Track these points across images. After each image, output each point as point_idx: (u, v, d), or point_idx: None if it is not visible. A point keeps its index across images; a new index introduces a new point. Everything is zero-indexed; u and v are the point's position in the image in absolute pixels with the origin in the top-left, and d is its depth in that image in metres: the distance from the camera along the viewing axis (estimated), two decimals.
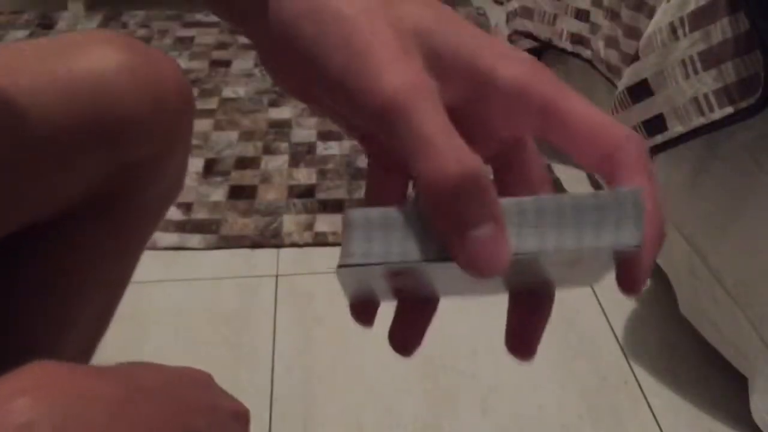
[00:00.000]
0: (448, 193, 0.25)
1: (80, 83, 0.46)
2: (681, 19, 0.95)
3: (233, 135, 1.71)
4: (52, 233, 0.52)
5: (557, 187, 1.54)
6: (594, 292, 1.29)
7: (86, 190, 0.50)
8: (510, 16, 1.53)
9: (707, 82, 0.92)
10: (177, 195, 0.61)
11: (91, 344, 0.62)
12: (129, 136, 0.49)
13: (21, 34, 2.13)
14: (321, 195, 1.52)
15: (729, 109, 0.90)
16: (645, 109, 1.02)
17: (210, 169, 1.60)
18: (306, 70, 0.28)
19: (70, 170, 0.48)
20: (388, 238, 0.27)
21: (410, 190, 0.32)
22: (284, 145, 1.68)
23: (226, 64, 2.01)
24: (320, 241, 1.40)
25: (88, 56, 0.48)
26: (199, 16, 2.27)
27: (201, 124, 1.73)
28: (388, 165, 0.33)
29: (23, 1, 2.34)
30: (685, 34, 0.95)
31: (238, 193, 1.53)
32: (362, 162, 1.61)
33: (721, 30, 0.90)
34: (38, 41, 0.49)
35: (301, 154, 1.65)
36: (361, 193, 1.51)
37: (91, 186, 0.50)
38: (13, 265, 0.53)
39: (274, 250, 1.39)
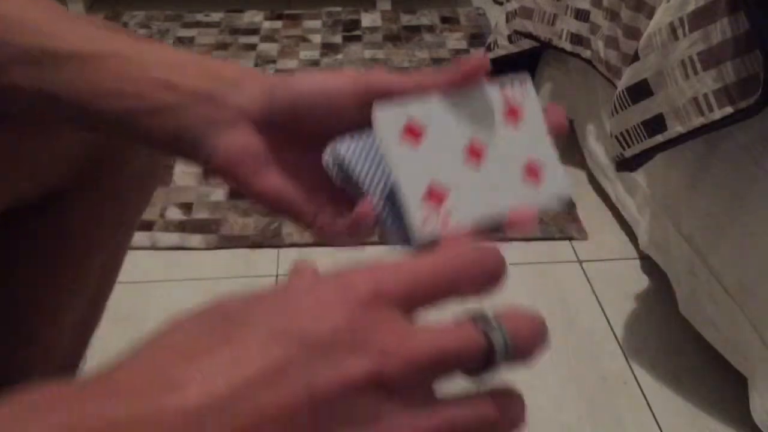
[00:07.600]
0: None
1: None
2: (681, 20, 0.95)
3: None
4: (41, 216, 0.52)
5: None
6: (594, 291, 1.29)
7: (73, 164, 0.49)
8: (510, 16, 1.53)
9: (707, 83, 0.92)
10: (162, 164, 0.61)
11: (86, 330, 0.62)
12: None
13: None
14: None
15: (728, 110, 0.90)
16: (644, 110, 1.02)
17: None
18: None
19: (54, 143, 0.47)
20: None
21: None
22: None
23: None
24: (320, 241, 1.40)
25: None
26: (199, 16, 2.27)
27: None
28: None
29: None
30: (684, 35, 0.95)
31: (239, 193, 1.52)
32: None
33: (720, 30, 0.90)
34: None
35: None
36: None
37: (77, 159, 0.49)
38: (2, 249, 0.52)
39: (274, 250, 1.39)
